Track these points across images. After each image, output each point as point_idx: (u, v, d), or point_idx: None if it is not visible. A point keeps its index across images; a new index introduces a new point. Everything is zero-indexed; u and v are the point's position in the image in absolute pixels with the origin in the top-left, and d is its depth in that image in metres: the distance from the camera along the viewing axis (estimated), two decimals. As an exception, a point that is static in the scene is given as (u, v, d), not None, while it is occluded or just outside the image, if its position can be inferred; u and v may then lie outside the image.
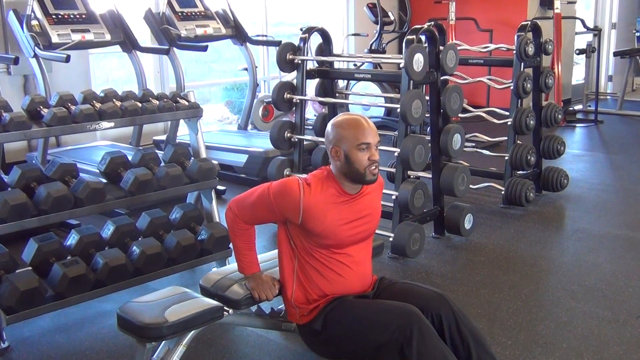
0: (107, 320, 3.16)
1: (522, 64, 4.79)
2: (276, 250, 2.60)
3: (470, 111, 5.18)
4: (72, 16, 5.12)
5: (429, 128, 4.26)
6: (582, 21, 8.81)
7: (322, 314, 2.41)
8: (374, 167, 2.36)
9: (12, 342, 2.96)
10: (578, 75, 9.98)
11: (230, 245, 3.50)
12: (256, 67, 6.58)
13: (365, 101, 6.46)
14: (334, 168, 2.41)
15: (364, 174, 2.35)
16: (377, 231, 3.44)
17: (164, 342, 2.36)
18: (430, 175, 4.21)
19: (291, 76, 4.94)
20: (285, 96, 4.49)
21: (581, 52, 8.55)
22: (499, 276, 3.65)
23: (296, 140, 4.51)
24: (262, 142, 5.70)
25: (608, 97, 10.08)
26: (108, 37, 5.29)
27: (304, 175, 2.49)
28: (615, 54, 9.52)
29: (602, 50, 8.95)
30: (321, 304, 2.43)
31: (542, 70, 4.97)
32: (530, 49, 4.76)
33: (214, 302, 2.44)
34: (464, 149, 4.27)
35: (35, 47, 4.78)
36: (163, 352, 2.38)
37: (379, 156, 2.38)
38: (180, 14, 5.84)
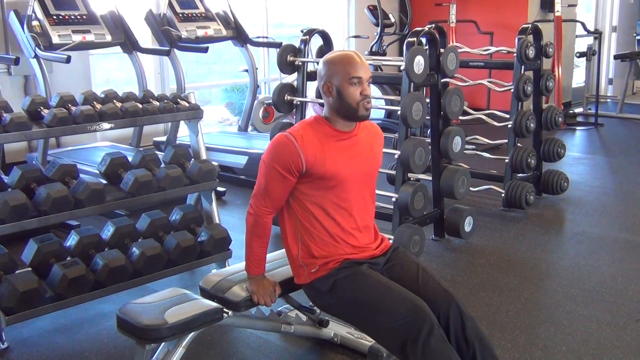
0: (107, 321, 3.16)
1: (523, 66, 4.79)
2: (280, 251, 2.60)
3: (471, 114, 5.18)
4: (72, 17, 5.13)
5: (429, 130, 4.26)
6: (583, 24, 8.81)
7: (333, 277, 2.38)
8: (366, 102, 2.35)
9: (12, 343, 2.96)
10: (578, 78, 9.98)
11: (231, 247, 3.52)
12: (257, 68, 6.58)
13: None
14: (327, 105, 2.41)
15: (356, 109, 2.35)
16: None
17: (163, 343, 2.35)
18: (430, 178, 4.22)
19: (292, 78, 4.94)
20: (285, 98, 4.49)
21: (582, 55, 8.55)
22: (498, 279, 3.65)
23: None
24: (262, 144, 5.70)
25: (608, 100, 10.09)
26: (109, 38, 5.30)
27: None
28: (616, 57, 9.52)
29: (602, 53, 8.95)
30: (330, 264, 2.40)
31: (543, 73, 4.97)
32: (531, 52, 4.77)
33: (213, 304, 2.44)
34: (464, 151, 4.27)
35: (36, 48, 4.78)
36: (162, 354, 2.37)
37: (371, 91, 2.37)
38: (181, 15, 5.85)
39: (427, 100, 4.04)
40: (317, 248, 2.42)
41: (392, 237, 3.82)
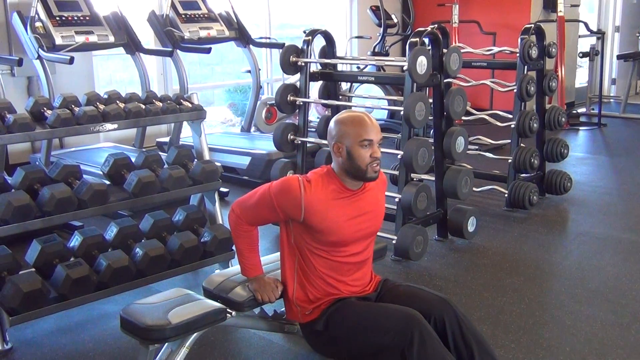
0: (110, 321, 3.16)
1: (526, 66, 4.79)
2: (279, 253, 2.60)
3: (474, 114, 5.18)
4: (75, 18, 5.14)
5: (432, 131, 4.26)
6: (586, 24, 8.80)
7: (325, 314, 2.41)
8: (375, 164, 2.36)
9: (15, 344, 2.96)
10: (581, 78, 9.97)
11: (233, 247, 3.51)
12: (259, 69, 6.58)
13: (369, 104, 6.45)
14: (336, 164, 2.42)
15: (365, 171, 2.35)
16: (380, 233, 3.43)
17: (166, 344, 2.36)
18: (433, 178, 4.21)
19: (294, 78, 4.94)
20: (288, 98, 4.49)
21: (585, 55, 8.55)
22: (502, 279, 3.65)
23: (299, 142, 4.51)
24: (265, 145, 5.70)
25: (611, 100, 10.07)
26: (112, 39, 5.30)
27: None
28: (619, 57, 9.52)
29: (605, 53, 8.95)
30: (323, 305, 2.43)
31: (546, 73, 4.97)
32: (534, 52, 4.76)
33: (217, 304, 2.44)
34: (467, 151, 4.26)
35: (39, 49, 4.79)
36: (166, 354, 2.38)
37: (380, 153, 2.38)
38: (183, 16, 5.85)
39: (430, 100, 4.03)
40: (312, 290, 2.45)
41: (395, 237, 3.82)
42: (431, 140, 4.15)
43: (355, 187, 2.43)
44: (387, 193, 3.77)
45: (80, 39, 5.06)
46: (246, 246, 2.52)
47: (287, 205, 2.35)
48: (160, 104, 3.61)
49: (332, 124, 2.43)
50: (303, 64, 4.46)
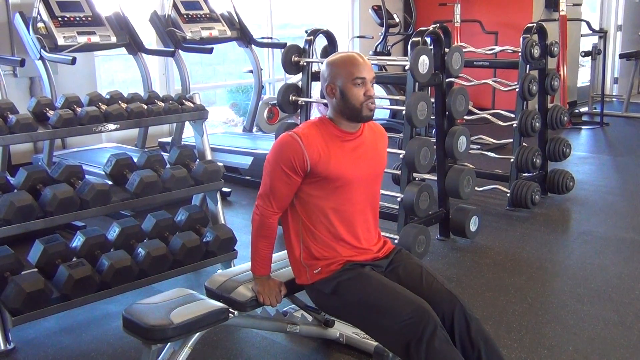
0: (113, 321, 3.16)
1: (528, 66, 4.78)
2: (285, 252, 2.60)
3: (476, 113, 5.18)
4: (78, 19, 5.14)
5: (434, 130, 4.26)
6: (588, 23, 8.79)
7: (335, 279, 2.38)
8: (370, 102, 2.35)
9: (18, 344, 2.96)
10: (584, 78, 9.95)
11: (236, 247, 3.52)
12: (261, 69, 6.58)
13: (371, 103, 6.44)
14: (330, 107, 2.41)
15: (360, 109, 2.35)
16: (382, 233, 3.43)
17: (169, 343, 2.36)
18: (435, 178, 4.21)
19: (296, 78, 4.95)
20: (290, 98, 4.49)
21: (587, 54, 8.53)
22: (504, 279, 3.65)
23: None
24: (267, 144, 5.70)
25: (614, 99, 10.06)
26: (114, 39, 5.31)
27: None
28: (621, 56, 9.50)
29: (607, 52, 8.95)
30: (333, 266, 2.40)
31: (548, 72, 4.96)
32: (536, 51, 4.75)
33: (219, 304, 2.44)
34: (470, 151, 4.26)
35: (41, 50, 4.79)
36: (168, 354, 2.38)
37: (374, 91, 2.38)
38: (185, 16, 5.86)
39: (432, 100, 4.03)
40: (318, 249, 2.42)
41: (397, 237, 3.81)
42: (433, 139, 4.15)
43: (352, 129, 2.42)
44: (389, 192, 3.79)
45: (82, 40, 5.06)
46: (264, 245, 2.49)
47: (292, 160, 2.32)
48: (162, 104, 3.61)
49: (324, 66, 2.42)
50: (305, 63, 4.46)
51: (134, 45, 5.51)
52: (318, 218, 2.41)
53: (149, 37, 6.24)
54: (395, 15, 8.24)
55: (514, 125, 4.81)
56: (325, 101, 4.68)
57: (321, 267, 2.42)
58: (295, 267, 2.52)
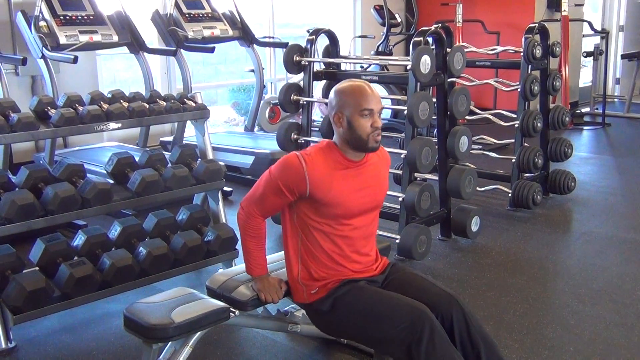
0: (114, 320, 3.17)
1: (530, 66, 4.78)
2: (281, 253, 2.60)
3: (477, 113, 5.17)
4: (79, 17, 5.14)
5: (435, 130, 4.25)
6: (590, 24, 8.78)
7: (332, 296, 2.39)
8: (376, 134, 2.34)
9: (19, 342, 2.97)
10: (585, 78, 9.95)
11: (237, 247, 3.52)
12: (263, 68, 6.59)
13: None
14: (337, 135, 2.40)
15: (366, 141, 2.34)
16: (383, 233, 3.44)
17: (170, 343, 2.36)
18: (437, 178, 4.21)
19: (298, 78, 4.94)
20: (292, 98, 4.49)
21: (589, 54, 8.52)
22: (505, 279, 3.64)
23: (303, 141, 4.51)
24: (268, 144, 5.71)
25: (615, 99, 10.05)
26: (115, 38, 5.31)
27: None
28: (623, 57, 9.48)
29: (609, 52, 8.94)
30: (330, 284, 2.41)
31: (550, 72, 4.96)
32: (538, 52, 4.75)
33: (220, 304, 2.44)
34: (471, 151, 4.26)
35: (43, 48, 4.80)
36: (169, 353, 2.38)
37: (381, 123, 2.37)
38: (187, 15, 5.86)
39: (434, 100, 4.03)
40: (317, 270, 2.43)
41: (399, 237, 3.81)
42: (435, 139, 4.15)
43: (357, 158, 2.41)
44: (390, 192, 3.78)
45: (84, 38, 5.07)
46: (254, 245, 2.50)
47: (292, 182, 2.33)
48: (164, 103, 3.61)
49: (332, 94, 2.41)
50: (307, 63, 4.46)
51: (136, 44, 5.51)
52: (317, 241, 2.42)
53: (151, 36, 6.24)
54: (397, 15, 8.24)
55: (516, 125, 4.81)
56: (326, 101, 4.69)
57: (318, 288, 2.43)
58: (292, 284, 2.53)
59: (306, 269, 2.45)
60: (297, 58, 4.46)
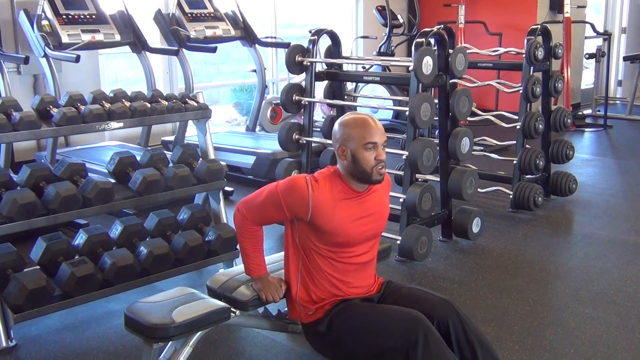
0: (114, 320, 3.17)
1: (532, 67, 4.77)
2: (281, 254, 2.60)
3: (479, 115, 5.17)
4: (82, 16, 5.15)
5: (437, 131, 4.25)
6: (592, 25, 8.77)
7: (328, 316, 2.41)
8: (380, 167, 2.36)
9: (20, 341, 2.97)
10: (587, 80, 9.94)
11: (238, 247, 3.52)
12: (265, 68, 6.59)
13: (374, 104, 6.45)
14: (341, 167, 2.41)
15: (370, 174, 2.35)
16: (384, 234, 3.43)
17: (170, 342, 2.36)
18: (438, 179, 4.21)
19: (300, 78, 4.94)
20: (293, 98, 4.49)
21: (591, 56, 8.52)
22: (506, 280, 3.64)
23: (304, 142, 4.51)
24: (270, 144, 5.71)
25: (617, 101, 10.03)
26: (118, 37, 5.32)
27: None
28: (625, 59, 9.48)
29: (611, 54, 8.91)
30: (327, 305, 2.43)
31: (552, 74, 4.96)
32: (540, 53, 4.75)
33: (221, 303, 2.44)
34: (473, 152, 4.26)
35: (46, 47, 4.80)
36: (170, 353, 2.38)
37: (385, 156, 2.38)
38: (189, 15, 5.86)
39: (436, 101, 4.03)
40: (316, 292, 2.44)
41: (400, 238, 3.81)
42: (436, 140, 4.15)
43: (361, 188, 2.42)
44: (391, 193, 3.78)
45: (86, 38, 5.07)
46: (251, 246, 2.52)
47: (294, 204, 2.35)
48: (166, 103, 3.61)
49: (336, 126, 2.42)
50: (308, 63, 4.46)
51: (138, 44, 5.51)
52: (318, 264, 2.43)
53: (153, 36, 6.24)
54: (399, 16, 8.23)
55: (518, 127, 4.80)
56: (328, 101, 4.69)
57: (316, 309, 2.45)
58: (289, 302, 2.55)
59: (305, 290, 2.46)
60: (299, 58, 4.46)
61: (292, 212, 2.37)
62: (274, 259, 2.77)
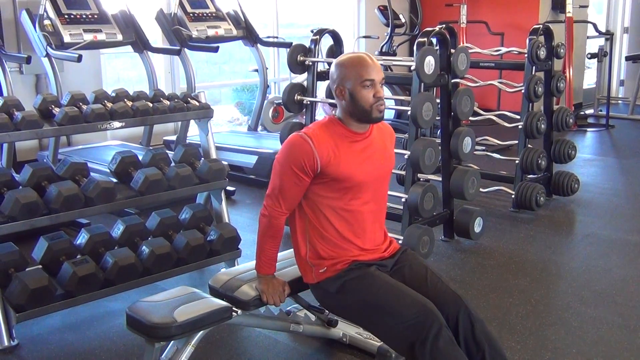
0: (116, 319, 3.17)
1: (534, 67, 4.77)
2: (289, 251, 2.59)
3: (481, 114, 5.17)
4: (84, 16, 5.15)
5: (439, 131, 4.25)
6: (594, 25, 8.76)
7: (341, 278, 2.38)
8: (379, 104, 2.34)
9: (22, 340, 2.97)
10: (589, 80, 9.93)
11: (240, 246, 3.52)
12: (267, 68, 6.59)
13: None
14: (340, 108, 2.40)
15: (370, 111, 2.34)
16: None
17: (172, 342, 2.36)
18: (440, 178, 4.20)
19: (302, 78, 4.94)
20: (295, 98, 4.49)
21: (593, 56, 8.51)
22: (508, 280, 3.64)
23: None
24: (272, 144, 5.71)
25: (619, 101, 10.02)
26: (120, 37, 5.32)
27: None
28: (627, 59, 9.47)
29: (613, 54, 8.91)
30: (339, 265, 2.40)
31: (554, 74, 4.95)
32: (542, 53, 4.74)
33: (222, 303, 2.44)
34: (475, 152, 4.25)
35: (48, 47, 4.80)
36: (172, 352, 2.38)
37: (384, 93, 2.37)
38: (191, 14, 5.86)
39: (438, 100, 4.03)
40: (324, 248, 2.42)
41: (402, 237, 3.81)
42: (438, 140, 4.14)
43: (361, 130, 2.41)
44: (393, 193, 3.79)
45: (88, 37, 5.07)
46: (270, 245, 2.49)
47: (302, 161, 2.31)
48: (168, 103, 3.62)
49: (332, 67, 2.41)
50: (310, 63, 4.46)
51: (140, 43, 5.52)
52: (325, 218, 2.40)
53: (155, 35, 6.25)
54: (401, 16, 8.23)
55: (519, 126, 4.80)
56: (331, 101, 4.69)
57: (327, 267, 2.42)
58: (301, 266, 2.52)
59: (314, 249, 2.44)
60: (301, 58, 4.46)
61: (306, 172, 2.33)
62: (280, 257, 2.76)
